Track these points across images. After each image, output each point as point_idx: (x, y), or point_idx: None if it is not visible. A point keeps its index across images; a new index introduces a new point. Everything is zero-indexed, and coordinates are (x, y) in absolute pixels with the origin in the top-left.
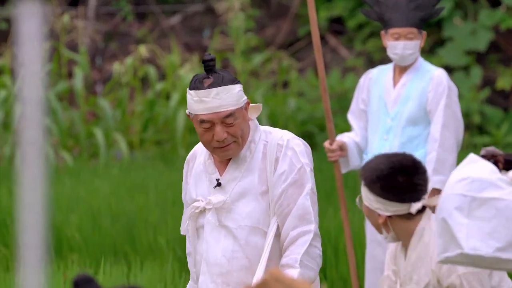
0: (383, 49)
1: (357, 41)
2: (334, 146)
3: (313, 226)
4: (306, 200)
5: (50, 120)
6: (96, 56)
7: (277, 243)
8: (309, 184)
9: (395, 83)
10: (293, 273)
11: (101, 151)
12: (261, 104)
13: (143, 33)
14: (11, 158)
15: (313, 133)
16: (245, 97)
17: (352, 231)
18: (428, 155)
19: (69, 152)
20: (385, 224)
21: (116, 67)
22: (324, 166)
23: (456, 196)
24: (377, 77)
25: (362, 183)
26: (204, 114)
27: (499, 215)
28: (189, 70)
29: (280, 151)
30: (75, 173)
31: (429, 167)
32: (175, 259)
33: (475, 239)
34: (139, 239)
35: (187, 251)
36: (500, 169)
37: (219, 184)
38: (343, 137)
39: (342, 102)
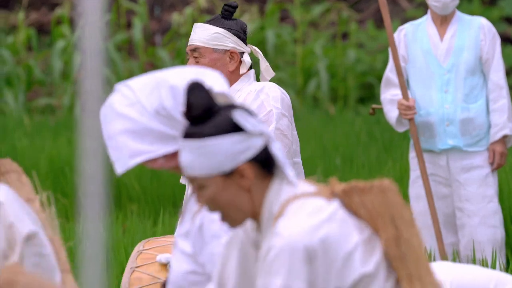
0: None
1: None
2: (412, 102)
3: None
4: None
5: (109, 71)
6: (155, 6)
7: None
8: (273, 124)
9: (440, 35)
10: None
11: None
12: (273, 73)
13: None
14: (70, 108)
15: (373, 84)
16: (229, 46)
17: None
18: (495, 103)
19: None
20: None
21: (175, 18)
22: (382, 118)
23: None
24: (414, 33)
25: None
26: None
27: None
28: (248, 20)
29: (253, 96)
30: None
31: (502, 115)
32: None
33: None
34: None
35: None
36: None
37: None
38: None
39: None
